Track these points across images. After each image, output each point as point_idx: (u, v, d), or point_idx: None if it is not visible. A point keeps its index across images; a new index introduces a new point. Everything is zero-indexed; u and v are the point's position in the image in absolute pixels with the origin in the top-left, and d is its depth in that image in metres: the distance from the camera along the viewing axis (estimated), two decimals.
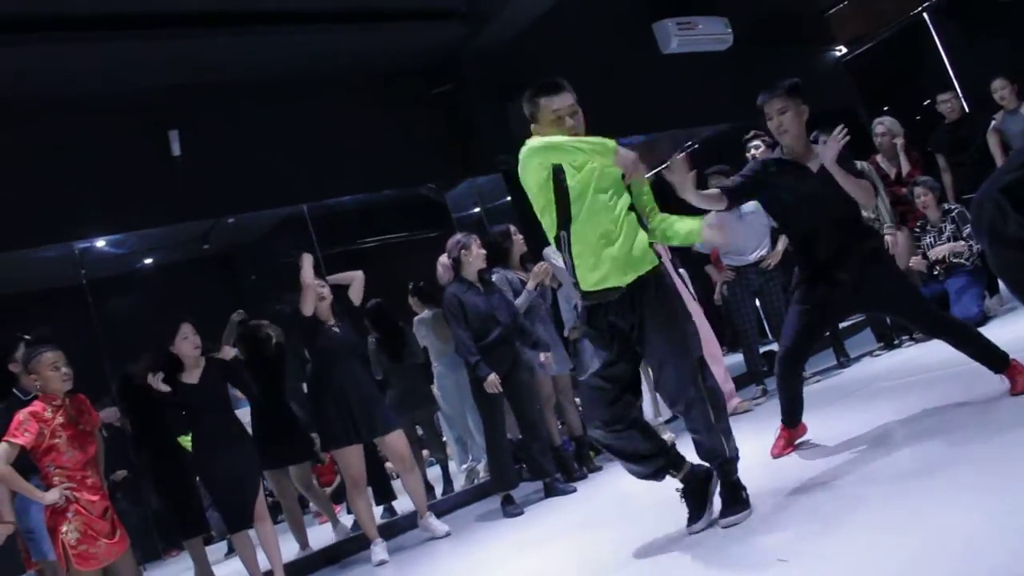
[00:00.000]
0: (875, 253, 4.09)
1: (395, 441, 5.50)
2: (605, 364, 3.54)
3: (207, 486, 5.40)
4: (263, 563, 5.28)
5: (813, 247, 4.08)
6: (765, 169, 4.15)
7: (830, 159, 3.88)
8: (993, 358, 3.85)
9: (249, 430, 5.71)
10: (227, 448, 5.12)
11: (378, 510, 6.38)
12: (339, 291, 5.76)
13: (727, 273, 6.68)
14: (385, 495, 6.58)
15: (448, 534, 5.46)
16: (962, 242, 6.54)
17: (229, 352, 5.66)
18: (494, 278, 5.91)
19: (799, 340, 4.20)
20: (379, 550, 5.37)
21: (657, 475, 3.59)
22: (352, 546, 6.10)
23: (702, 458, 3.51)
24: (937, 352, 4.19)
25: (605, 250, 3.41)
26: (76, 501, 4.31)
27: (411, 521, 6.05)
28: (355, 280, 5.76)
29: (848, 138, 3.87)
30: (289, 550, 5.89)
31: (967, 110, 7.72)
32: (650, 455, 3.55)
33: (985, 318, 6.30)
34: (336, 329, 5.53)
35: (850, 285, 4.01)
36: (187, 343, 5.16)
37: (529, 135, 3.53)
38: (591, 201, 3.42)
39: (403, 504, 6.57)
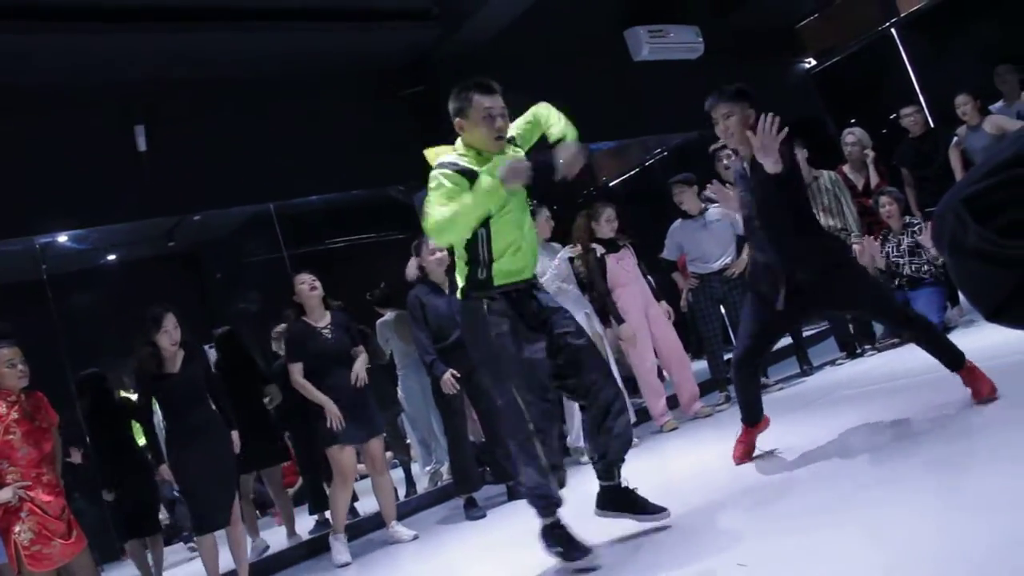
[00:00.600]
0: (835, 260, 4.10)
1: (375, 445, 5.45)
2: None
3: (182, 482, 5.07)
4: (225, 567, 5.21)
5: (771, 251, 4.10)
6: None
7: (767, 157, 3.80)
8: (950, 356, 3.92)
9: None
10: (206, 442, 4.94)
11: None
12: (332, 290, 5.66)
13: (691, 280, 6.70)
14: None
15: (416, 538, 5.42)
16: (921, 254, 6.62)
17: None
18: None
19: (754, 343, 4.23)
20: (341, 549, 5.34)
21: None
22: (314, 547, 6.08)
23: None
24: (899, 361, 4.25)
25: (523, 241, 3.44)
26: (30, 500, 4.23)
27: (374, 523, 6.02)
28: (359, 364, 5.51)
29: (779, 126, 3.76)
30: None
31: (931, 124, 7.80)
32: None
33: (945, 328, 6.36)
34: (328, 335, 5.38)
35: (809, 287, 4.02)
36: (166, 336, 4.97)
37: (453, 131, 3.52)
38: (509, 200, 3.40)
39: (365, 505, 6.54)
